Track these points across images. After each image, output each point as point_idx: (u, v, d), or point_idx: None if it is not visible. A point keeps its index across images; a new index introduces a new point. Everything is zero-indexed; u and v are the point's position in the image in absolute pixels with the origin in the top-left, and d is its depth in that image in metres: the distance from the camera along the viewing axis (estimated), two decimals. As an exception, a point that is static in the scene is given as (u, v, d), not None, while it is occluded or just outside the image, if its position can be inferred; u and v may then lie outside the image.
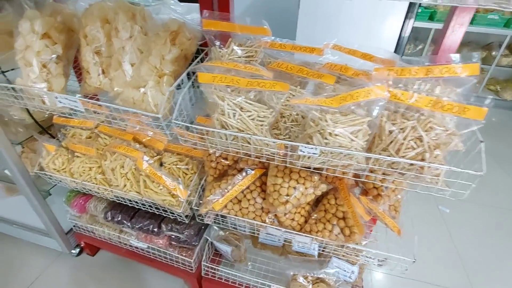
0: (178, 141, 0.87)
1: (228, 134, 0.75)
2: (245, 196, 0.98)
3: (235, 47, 0.86)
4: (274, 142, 0.73)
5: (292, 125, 0.80)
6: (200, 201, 1.05)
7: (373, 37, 1.68)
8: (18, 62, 0.94)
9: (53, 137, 1.32)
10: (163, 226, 1.25)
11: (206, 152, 1.06)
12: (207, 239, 1.28)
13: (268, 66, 0.85)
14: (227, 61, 0.84)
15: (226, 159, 1.03)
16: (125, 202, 1.20)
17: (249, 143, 0.76)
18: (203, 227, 1.31)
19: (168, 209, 1.05)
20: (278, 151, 0.76)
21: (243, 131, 0.74)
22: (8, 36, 1.13)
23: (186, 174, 1.11)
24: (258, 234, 1.17)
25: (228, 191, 0.97)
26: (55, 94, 0.89)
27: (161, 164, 1.15)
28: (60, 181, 1.22)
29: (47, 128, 1.38)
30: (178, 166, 1.11)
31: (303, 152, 0.72)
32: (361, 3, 1.57)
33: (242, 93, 0.75)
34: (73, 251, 1.58)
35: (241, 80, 0.71)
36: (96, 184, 1.15)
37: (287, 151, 0.75)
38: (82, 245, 1.59)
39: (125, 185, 1.08)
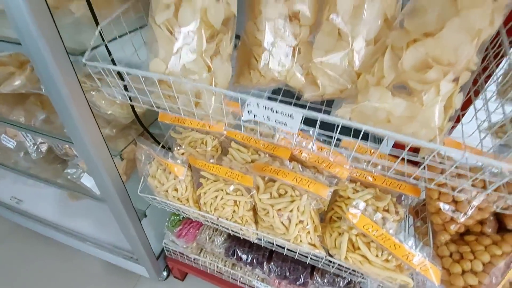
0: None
1: None
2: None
3: None
4: None
5: None
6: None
7: None
8: (154, 29, 0.50)
9: (158, 142, 0.91)
10: (316, 277, 0.88)
11: (434, 192, 0.65)
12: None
13: None
14: None
15: (481, 209, 0.62)
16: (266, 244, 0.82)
17: None
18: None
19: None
20: None
21: None
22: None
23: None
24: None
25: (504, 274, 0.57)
26: (251, 99, 0.46)
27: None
28: (178, 210, 0.84)
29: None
30: (375, 206, 0.70)
31: None
32: None
33: None
34: (161, 275, 1.26)
35: None
36: (241, 223, 0.76)
37: None
38: (170, 267, 1.26)
39: (299, 236, 0.69)
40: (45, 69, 0.55)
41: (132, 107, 0.77)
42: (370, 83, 0.48)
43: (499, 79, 0.52)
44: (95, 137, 0.69)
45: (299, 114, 0.44)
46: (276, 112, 0.45)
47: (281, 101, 0.62)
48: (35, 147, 1.17)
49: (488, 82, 0.52)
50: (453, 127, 0.54)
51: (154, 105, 0.59)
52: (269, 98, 0.65)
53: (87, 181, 1.02)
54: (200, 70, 0.50)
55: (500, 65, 0.52)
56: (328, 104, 0.62)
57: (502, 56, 0.55)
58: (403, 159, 0.54)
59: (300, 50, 0.56)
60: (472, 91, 0.54)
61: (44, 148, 1.19)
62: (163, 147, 0.89)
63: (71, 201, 1.35)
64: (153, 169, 0.81)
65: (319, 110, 0.64)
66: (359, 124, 0.44)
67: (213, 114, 0.54)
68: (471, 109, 0.56)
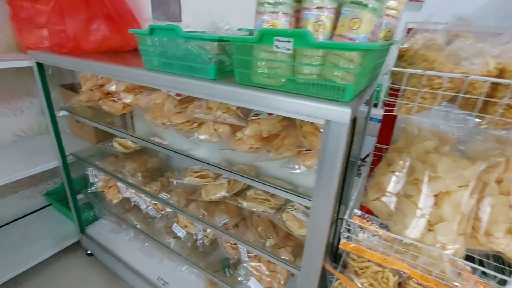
0: None
1: None
2: None
3: None
4: None
5: None
6: None
7: None
8: (404, 208, 0.71)
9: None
10: None
11: None
12: None
13: None
14: None
15: None
16: None
17: None
18: None
19: None
20: None
21: None
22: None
23: None
24: None
25: None
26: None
27: None
28: None
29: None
30: None
31: None
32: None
33: None
34: None
35: None
36: None
37: None
38: None
39: None
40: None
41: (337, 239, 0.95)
42: None
43: None
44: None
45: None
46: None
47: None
48: (203, 240, 1.42)
49: None
50: None
51: (384, 257, 0.75)
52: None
53: (254, 284, 1.17)
54: (448, 242, 0.66)
55: None
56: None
57: None
58: None
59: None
60: None
61: (207, 242, 1.43)
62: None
63: (209, 291, 1.49)
64: (340, 293, 0.92)
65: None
66: None
67: (449, 275, 0.67)
68: None
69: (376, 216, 0.86)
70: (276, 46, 0.67)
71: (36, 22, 1.48)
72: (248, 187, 1.35)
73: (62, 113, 1.55)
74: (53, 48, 1.34)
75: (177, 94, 1.27)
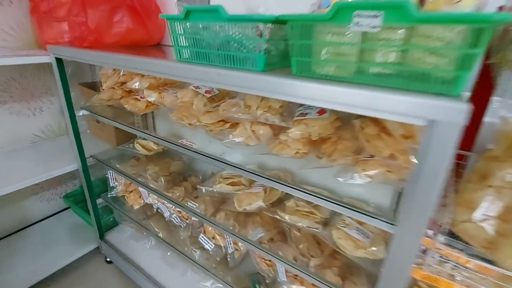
0: None
1: None
2: None
3: None
4: None
5: None
6: None
7: None
8: None
9: None
10: None
11: None
12: None
13: None
14: None
15: None
16: None
17: None
18: None
19: None
20: None
21: None
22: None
23: None
24: None
25: None
26: None
27: None
28: None
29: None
30: None
31: None
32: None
33: None
34: None
35: None
36: None
37: None
38: None
39: None
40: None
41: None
42: None
43: None
44: None
45: None
46: None
47: None
48: (233, 254, 1.27)
49: None
50: None
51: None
52: None
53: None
54: None
55: None
56: None
57: None
58: None
59: None
60: None
61: (238, 257, 1.28)
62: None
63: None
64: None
65: None
66: None
67: None
68: None
69: (466, 243, 0.69)
70: (357, 23, 0.51)
71: (56, 15, 1.38)
72: (286, 196, 1.20)
73: (82, 112, 1.45)
74: (73, 42, 1.23)
75: (207, 91, 1.14)
